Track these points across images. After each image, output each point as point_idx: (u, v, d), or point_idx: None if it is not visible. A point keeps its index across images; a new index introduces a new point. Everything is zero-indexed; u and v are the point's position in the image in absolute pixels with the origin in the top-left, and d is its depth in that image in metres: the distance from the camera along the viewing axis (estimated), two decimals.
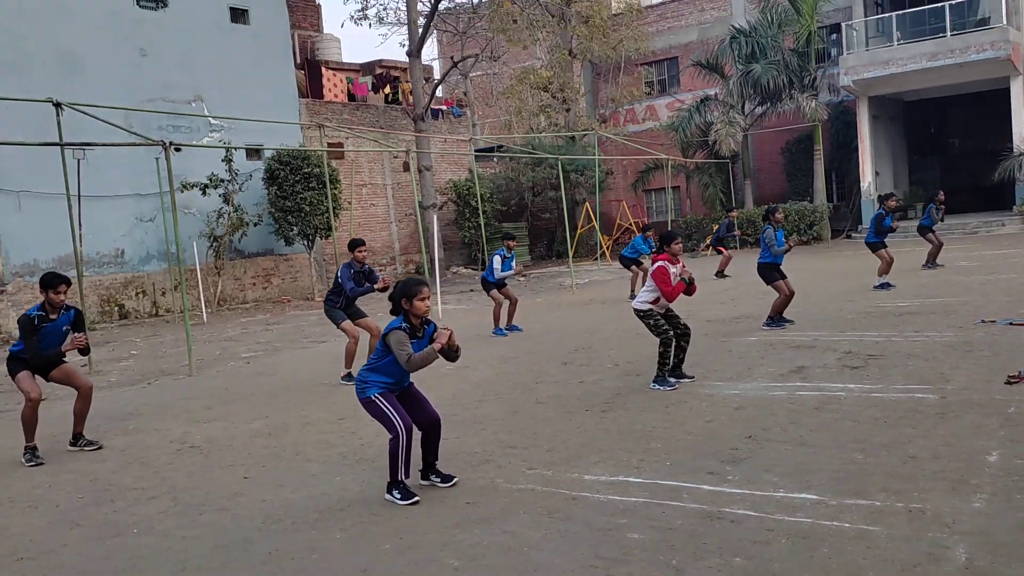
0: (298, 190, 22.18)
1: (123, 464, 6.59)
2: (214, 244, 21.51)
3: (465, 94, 44.68)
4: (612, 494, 4.86)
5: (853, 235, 26.85)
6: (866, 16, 26.54)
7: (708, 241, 24.26)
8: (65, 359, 7.17)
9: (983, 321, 9.46)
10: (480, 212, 22.36)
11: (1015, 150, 23.96)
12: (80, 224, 19.30)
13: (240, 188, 21.59)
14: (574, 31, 30.67)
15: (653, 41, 32.85)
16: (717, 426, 6.15)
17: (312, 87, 26.56)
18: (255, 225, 22.21)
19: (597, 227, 26.43)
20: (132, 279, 21.19)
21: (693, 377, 7.83)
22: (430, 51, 56.04)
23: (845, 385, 7.03)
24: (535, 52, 33.97)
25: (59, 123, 12.19)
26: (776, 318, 10.49)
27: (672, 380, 7.67)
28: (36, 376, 7.01)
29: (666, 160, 25.54)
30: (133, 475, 6.25)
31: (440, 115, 29.94)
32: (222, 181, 21.08)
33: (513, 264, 12.53)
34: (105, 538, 4.90)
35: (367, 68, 29.97)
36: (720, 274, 18.44)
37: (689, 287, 7.68)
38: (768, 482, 4.82)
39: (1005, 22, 23.39)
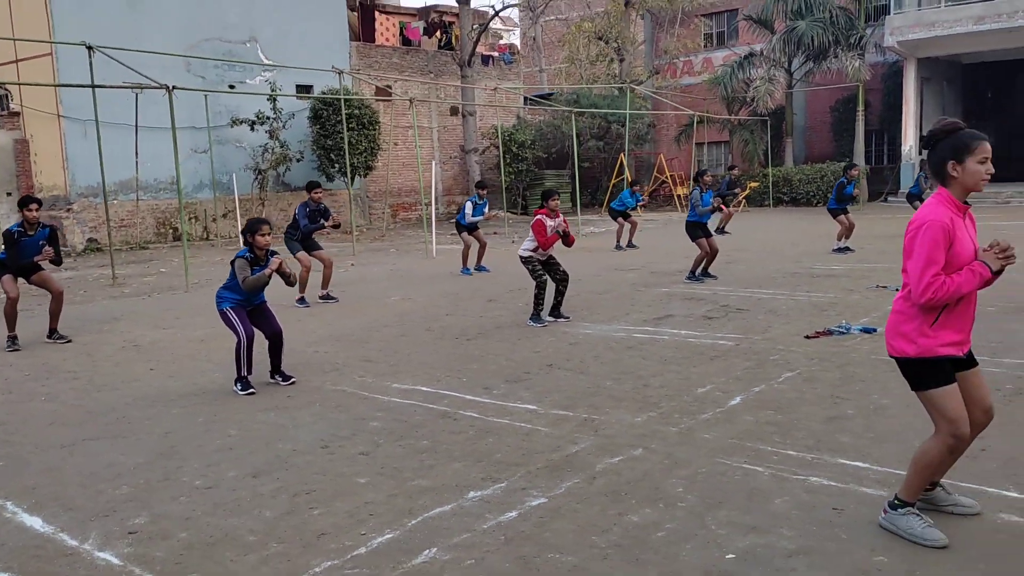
0: (339, 130, 23.65)
1: (76, 355, 8.21)
2: (258, 176, 23.32)
3: (534, 39, 45.23)
4: (396, 397, 6.11)
5: (890, 199, 26.70)
6: None
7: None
8: (42, 267, 8.81)
9: (877, 286, 10.14)
10: (501, 158, 23.23)
11: None
12: (137, 152, 21.37)
13: (284, 126, 23.24)
14: None
15: None
16: (538, 356, 7.28)
17: (364, 31, 27.82)
18: (297, 161, 23.89)
19: (629, 179, 27.04)
20: (186, 205, 23.17)
21: (568, 318, 8.91)
22: None
23: (678, 331, 8.02)
24: (595, 1, 34.27)
25: (91, 64, 13.88)
26: (698, 273, 11.36)
27: (549, 319, 8.79)
28: (18, 280, 8.68)
29: (693, 116, 25.82)
30: (76, 362, 7.85)
31: (491, 61, 30.81)
32: (267, 119, 22.75)
33: (485, 210, 13.67)
34: (20, 402, 6.47)
35: (423, 13, 30.99)
36: (721, 230, 19.08)
37: (565, 239, 8.72)
38: (517, 396, 5.97)
39: None
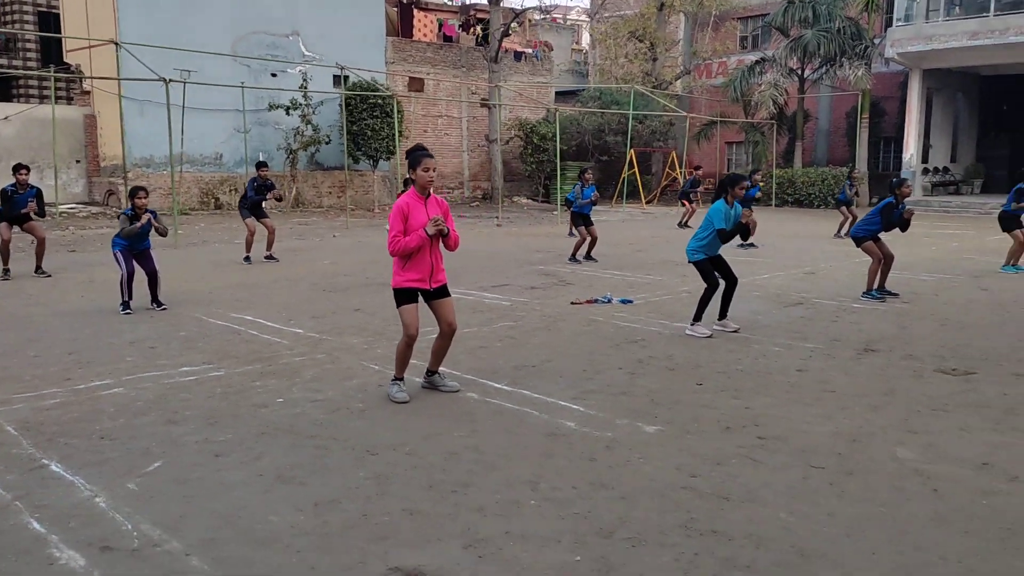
0: (363, 117, 26.26)
1: (46, 285, 10.86)
2: (289, 156, 26.17)
3: (590, 36, 46.89)
4: (222, 321, 8.40)
5: None
6: None
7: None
8: (32, 218, 11.52)
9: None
10: (497, 152, 25.19)
11: None
12: (183, 130, 24.34)
13: (314, 112, 25.99)
14: None
15: None
16: (358, 304, 9.44)
17: (403, 26, 30.29)
18: (326, 143, 26.62)
19: (638, 173, 28.73)
20: (227, 178, 26.27)
21: None
22: None
23: (487, 295, 10.04)
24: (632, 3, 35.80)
25: (118, 59, 16.73)
26: (579, 257, 13.24)
27: None
28: (13, 227, 11.41)
29: (687, 117, 27.22)
30: (40, 289, 10.48)
31: (523, 58, 32.85)
32: (300, 105, 25.54)
33: None
34: None
35: (464, 10, 33.24)
36: (683, 225, 20.71)
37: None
38: (303, 326, 8.16)
39: None
